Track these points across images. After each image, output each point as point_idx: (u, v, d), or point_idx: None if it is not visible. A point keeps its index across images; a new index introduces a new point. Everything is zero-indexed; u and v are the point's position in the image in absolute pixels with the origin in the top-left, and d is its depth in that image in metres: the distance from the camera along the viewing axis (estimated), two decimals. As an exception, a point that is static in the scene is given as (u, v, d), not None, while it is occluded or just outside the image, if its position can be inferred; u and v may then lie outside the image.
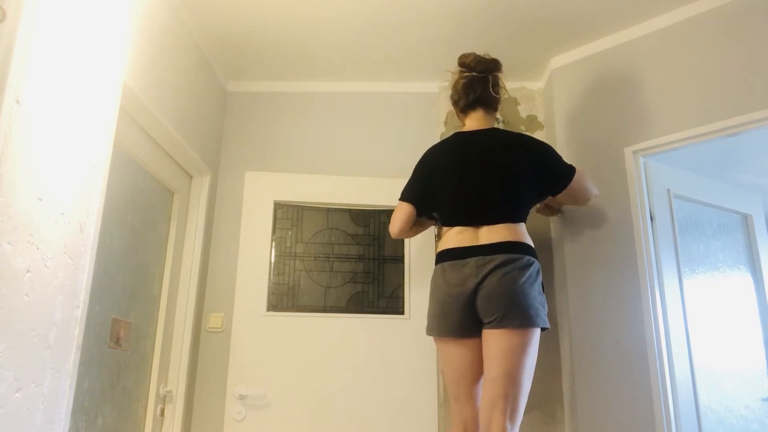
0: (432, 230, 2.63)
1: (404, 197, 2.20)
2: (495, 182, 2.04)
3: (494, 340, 1.89)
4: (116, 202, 2.05)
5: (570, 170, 2.13)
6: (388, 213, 2.76)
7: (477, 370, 1.98)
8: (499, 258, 1.92)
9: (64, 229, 1.53)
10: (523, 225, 2.05)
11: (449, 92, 2.25)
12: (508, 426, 1.80)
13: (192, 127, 2.51)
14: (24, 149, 1.34)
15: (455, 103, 2.21)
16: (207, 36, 2.59)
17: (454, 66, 2.24)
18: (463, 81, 2.16)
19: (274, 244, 2.70)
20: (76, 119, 1.58)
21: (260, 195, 2.72)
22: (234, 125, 2.95)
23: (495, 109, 2.22)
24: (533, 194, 2.10)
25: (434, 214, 2.24)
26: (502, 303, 1.87)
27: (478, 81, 2.14)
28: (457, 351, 1.97)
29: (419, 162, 2.23)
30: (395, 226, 2.19)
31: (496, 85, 2.17)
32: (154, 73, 2.13)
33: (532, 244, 2.02)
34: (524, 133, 2.86)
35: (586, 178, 2.19)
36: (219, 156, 2.89)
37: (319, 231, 2.74)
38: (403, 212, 2.18)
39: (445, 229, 2.12)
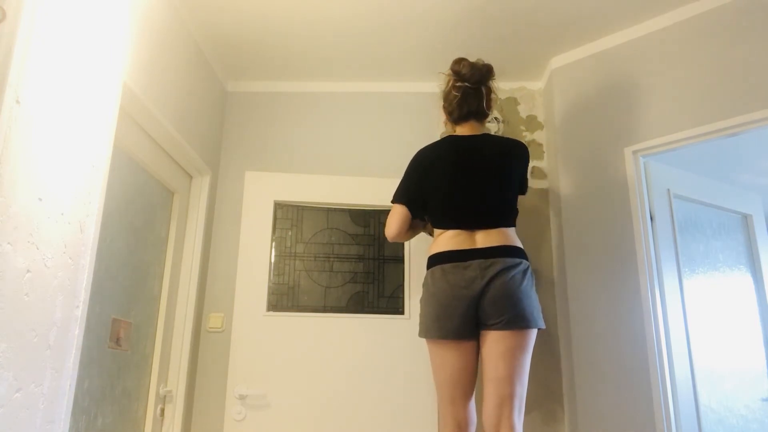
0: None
1: (398, 200, 2.18)
2: (490, 187, 2.07)
3: (499, 341, 1.93)
4: (116, 202, 2.05)
5: (525, 184, 2.24)
6: (387, 213, 2.76)
7: (473, 372, 2.01)
8: (500, 262, 1.96)
9: (64, 229, 1.53)
10: (514, 229, 2.09)
11: (441, 97, 2.25)
12: (518, 424, 1.89)
13: (192, 127, 2.51)
14: (24, 149, 1.34)
15: (448, 114, 2.21)
16: (207, 36, 2.59)
17: (446, 69, 2.23)
18: (456, 94, 2.13)
19: (274, 244, 2.70)
20: (76, 119, 1.58)
21: (260, 195, 2.72)
22: (234, 125, 2.95)
23: (486, 118, 2.25)
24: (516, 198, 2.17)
25: (425, 217, 2.24)
26: (509, 306, 1.92)
27: (472, 95, 2.13)
28: (455, 353, 1.98)
29: (411, 163, 2.21)
30: (392, 230, 2.16)
31: (489, 97, 2.17)
32: (154, 73, 2.13)
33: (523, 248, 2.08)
34: (523, 132, 2.87)
35: None
36: (219, 156, 2.89)
37: (319, 231, 2.74)
38: (399, 215, 2.16)
39: (437, 231, 2.12)
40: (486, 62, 2.17)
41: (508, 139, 2.21)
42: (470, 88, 2.13)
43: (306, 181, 2.74)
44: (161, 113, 2.18)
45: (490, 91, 2.17)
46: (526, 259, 2.03)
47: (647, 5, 2.36)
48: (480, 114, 2.18)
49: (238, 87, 3.01)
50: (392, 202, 2.21)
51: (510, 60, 2.74)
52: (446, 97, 2.19)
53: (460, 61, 2.16)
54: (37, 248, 1.40)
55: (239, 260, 2.64)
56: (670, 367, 2.21)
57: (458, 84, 2.13)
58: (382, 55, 2.75)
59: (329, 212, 2.76)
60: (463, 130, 2.20)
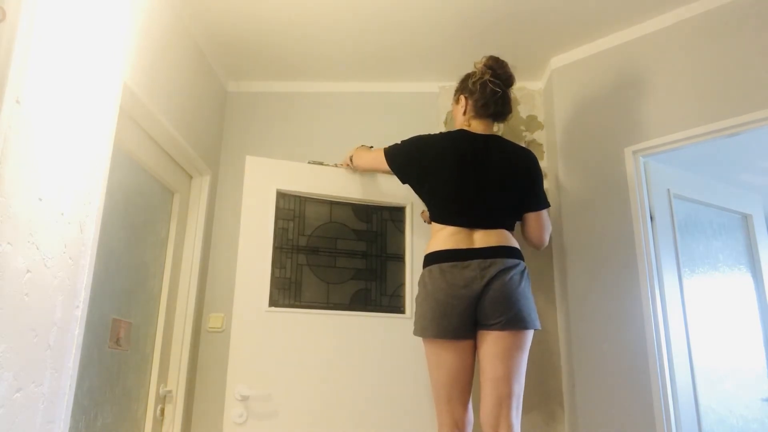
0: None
1: (388, 157, 2.23)
2: (495, 188, 2.07)
3: (497, 342, 1.93)
4: (116, 202, 2.05)
5: (545, 201, 2.18)
6: (390, 210, 2.75)
7: (470, 371, 2.01)
8: (499, 262, 1.96)
9: (64, 229, 1.53)
10: (512, 232, 2.10)
11: (464, 84, 2.21)
12: (516, 423, 1.90)
13: (192, 127, 2.51)
14: (24, 149, 1.34)
15: (480, 105, 2.15)
16: (207, 36, 2.59)
17: (478, 59, 2.21)
18: (496, 90, 2.13)
19: (275, 236, 2.65)
20: (76, 119, 1.58)
21: (262, 183, 2.61)
22: (234, 125, 2.95)
23: (503, 122, 2.30)
24: (517, 209, 2.14)
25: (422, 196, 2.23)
26: (507, 306, 1.92)
27: (506, 96, 2.17)
28: (453, 353, 1.98)
29: (422, 142, 2.18)
30: (363, 165, 2.41)
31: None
32: (154, 74, 2.13)
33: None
34: (523, 132, 2.87)
35: (549, 223, 2.20)
36: (219, 156, 2.89)
37: (322, 224, 2.71)
38: (377, 162, 2.28)
39: (436, 227, 2.12)
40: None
41: (519, 146, 2.20)
42: (505, 91, 2.16)
43: (309, 171, 2.67)
44: (161, 113, 2.18)
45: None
46: (523, 260, 2.04)
47: (647, 5, 2.36)
48: (503, 116, 2.20)
49: (238, 87, 3.01)
50: (384, 150, 2.25)
51: (510, 60, 2.72)
52: (481, 89, 2.14)
53: (497, 60, 2.18)
54: (37, 248, 1.40)
55: (240, 254, 2.59)
56: (670, 367, 2.21)
57: (493, 80, 2.14)
58: (382, 55, 2.75)
59: (332, 205, 2.74)
60: (479, 126, 2.17)
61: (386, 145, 2.30)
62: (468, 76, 2.21)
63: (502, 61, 2.18)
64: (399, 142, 2.26)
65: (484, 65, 2.17)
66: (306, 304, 2.59)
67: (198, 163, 2.62)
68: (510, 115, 2.23)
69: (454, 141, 2.14)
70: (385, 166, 2.24)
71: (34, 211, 1.39)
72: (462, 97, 2.21)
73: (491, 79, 2.14)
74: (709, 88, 2.25)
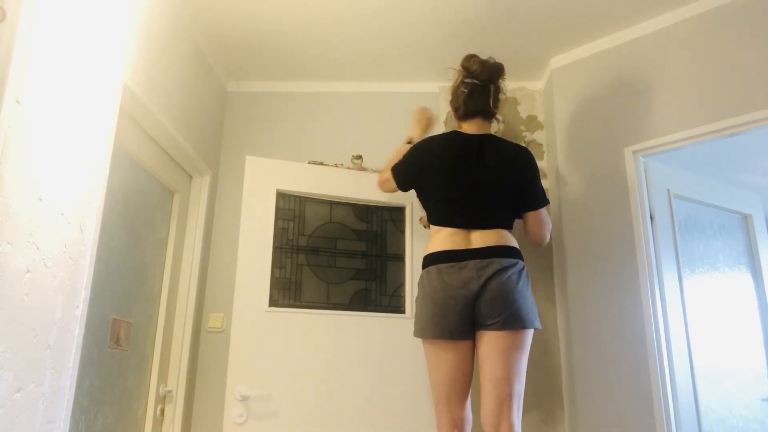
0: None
1: (395, 176, 2.25)
2: (490, 188, 2.07)
3: (496, 341, 1.93)
4: (116, 202, 2.05)
5: (544, 199, 2.17)
6: (390, 210, 2.75)
7: (469, 372, 2.01)
8: (496, 262, 1.96)
9: (64, 229, 1.53)
10: (510, 231, 2.09)
11: (450, 92, 2.23)
12: (516, 423, 1.90)
13: (192, 127, 2.51)
14: (24, 149, 1.34)
15: (454, 110, 2.19)
16: (207, 36, 2.59)
17: (457, 64, 2.18)
18: (464, 90, 2.11)
19: (275, 237, 2.66)
20: (76, 119, 1.58)
21: (262, 183, 2.62)
22: (234, 125, 2.95)
23: (492, 118, 2.20)
24: (516, 208, 2.14)
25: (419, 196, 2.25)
26: (505, 306, 1.92)
27: (480, 92, 2.11)
28: (451, 353, 1.98)
29: (415, 152, 2.20)
30: (381, 187, 2.39)
31: (497, 96, 2.15)
32: (154, 73, 2.13)
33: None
34: (523, 132, 2.87)
35: (549, 220, 2.20)
36: (219, 156, 2.89)
37: (322, 225, 2.71)
38: (390, 185, 2.30)
39: (433, 229, 2.12)
40: (497, 61, 2.15)
41: (513, 144, 2.19)
42: (479, 85, 2.10)
43: (309, 171, 2.68)
44: (161, 113, 2.18)
45: (498, 90, 2.15)
46: (522, 260, 2.03)
47: (647, 5, 2.36)
48: (487, 113, 2.15)
49: (238, 87, 3.01)
50: (391, 170, 2.27)
51: (510, 60, 2.74)
52: (454, 92, 2.16)
53: (470, 58, 2.14)
54: (37, 248, 1.40)
55: (240, 254, 2.59)
56: (670, 367, 2.21)
57: (467, 80, 2.11)
58: (382, 55, 2.75)
59: (332, 205, 2.74)
60: (469, 127, 2.17)
61: (390, 151, 2.34)
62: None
63: (476, 58, 2.13)
64: (402, 157, 2.27)
65: (460, 66, 2.15)
66: (306, 304, 2.59)
67: (198, 163, 2.62)
68: (498, 110, 2.18)
69: (448, 142, 2.15)
70: (396, 187, 2.28)
71: (34, 211, 1.39)
72: (449, 105, 2.25)
73: (464, 80, 2.12)
74: (709, 88, 2.25)
